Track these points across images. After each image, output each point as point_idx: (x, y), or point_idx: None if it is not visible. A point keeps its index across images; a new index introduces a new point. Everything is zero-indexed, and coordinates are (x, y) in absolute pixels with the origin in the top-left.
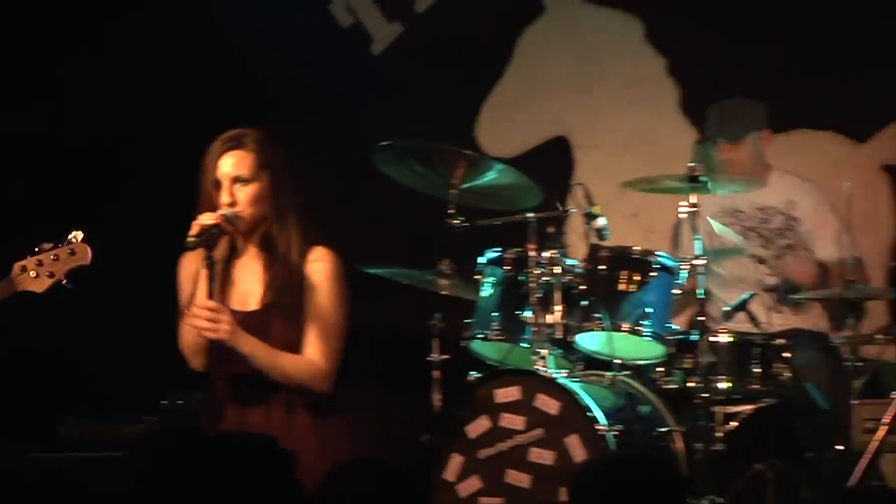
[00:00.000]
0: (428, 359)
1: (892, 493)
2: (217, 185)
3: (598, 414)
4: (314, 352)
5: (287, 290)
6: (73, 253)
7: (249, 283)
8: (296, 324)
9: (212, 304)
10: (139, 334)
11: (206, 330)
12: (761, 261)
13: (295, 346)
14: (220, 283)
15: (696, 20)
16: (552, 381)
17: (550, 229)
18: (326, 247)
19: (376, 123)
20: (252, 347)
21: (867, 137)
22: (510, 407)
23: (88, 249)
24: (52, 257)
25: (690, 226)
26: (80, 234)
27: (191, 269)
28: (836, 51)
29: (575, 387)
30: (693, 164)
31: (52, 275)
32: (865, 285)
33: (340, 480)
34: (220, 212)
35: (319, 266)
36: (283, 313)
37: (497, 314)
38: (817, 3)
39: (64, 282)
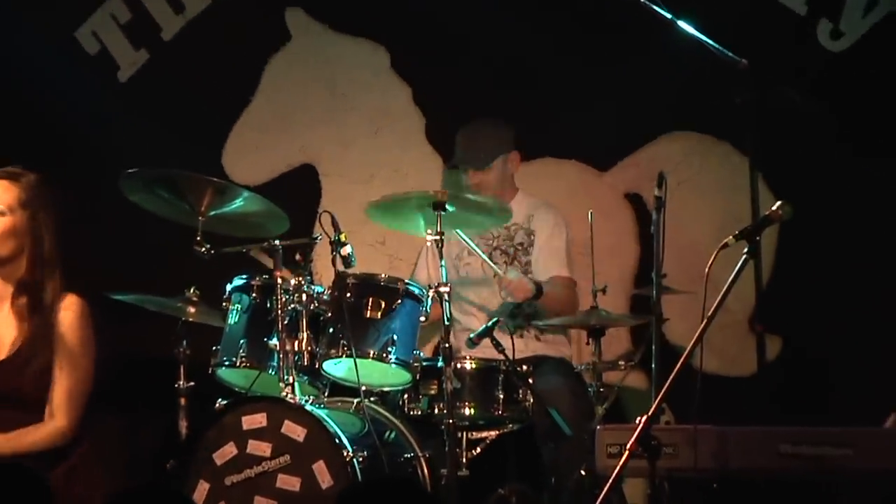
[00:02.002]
0: (175, 385)
1: None
2: None
3: (345, 440)
4: (59, 411)
5: (40, 339)
6: None
7: (5, 331)
8: (46, 366)
9: None
10: None
11: None
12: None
13: (48, 387)
14: None
15: (439, 49)
16: (299, 407)
17: (297, 256)
18: (76, 294)
19: (123, 150)
20: None
21: (609, 167)
22: (257, 433)
23: None
24: None
25: (436, 252)
26: None
27: None
28: (577, 85)
29: (321, 413)
30: (440, 190)
31: None
32: (608, 312)
33: None
34: None
35: (69, 316)
36: (35, 359)
37: (244, 341)
38: (557, 40)
39: None
